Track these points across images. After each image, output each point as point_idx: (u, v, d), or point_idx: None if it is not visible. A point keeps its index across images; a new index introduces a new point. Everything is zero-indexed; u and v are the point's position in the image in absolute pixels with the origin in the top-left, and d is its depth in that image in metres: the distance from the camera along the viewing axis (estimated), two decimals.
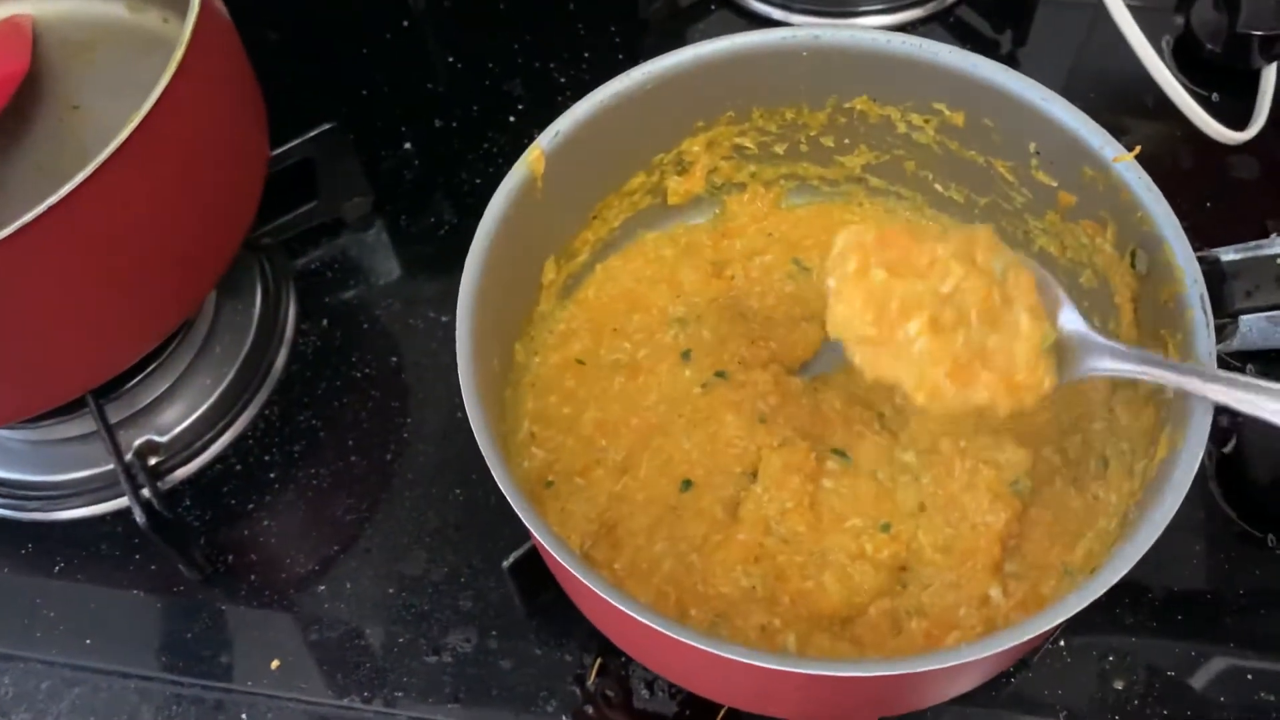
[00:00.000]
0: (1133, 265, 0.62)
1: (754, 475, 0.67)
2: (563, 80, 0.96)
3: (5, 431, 0.80)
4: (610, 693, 0.70)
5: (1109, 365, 0.57)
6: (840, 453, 0.67)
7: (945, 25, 0.98)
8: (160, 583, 0.76)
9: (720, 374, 0.70)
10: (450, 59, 0.98)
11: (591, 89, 0.68)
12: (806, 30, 0.66)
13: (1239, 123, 0.88)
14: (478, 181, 0.91)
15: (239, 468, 0.80)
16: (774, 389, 0.68)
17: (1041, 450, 0.67)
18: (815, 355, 0.71)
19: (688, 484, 0.67)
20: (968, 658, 0.49)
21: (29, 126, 0.82)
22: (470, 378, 0.57)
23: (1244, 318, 0.57)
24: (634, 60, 0.97)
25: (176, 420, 0.80)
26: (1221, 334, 0.57)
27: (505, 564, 0.67)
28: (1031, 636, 0.51)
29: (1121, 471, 0.64)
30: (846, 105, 0.70)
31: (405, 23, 1.01)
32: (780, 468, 0.65)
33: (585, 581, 0.51)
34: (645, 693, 0.70)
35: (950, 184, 0.72)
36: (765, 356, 0.70)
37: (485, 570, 0.75)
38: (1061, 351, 0.58)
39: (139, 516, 0.72)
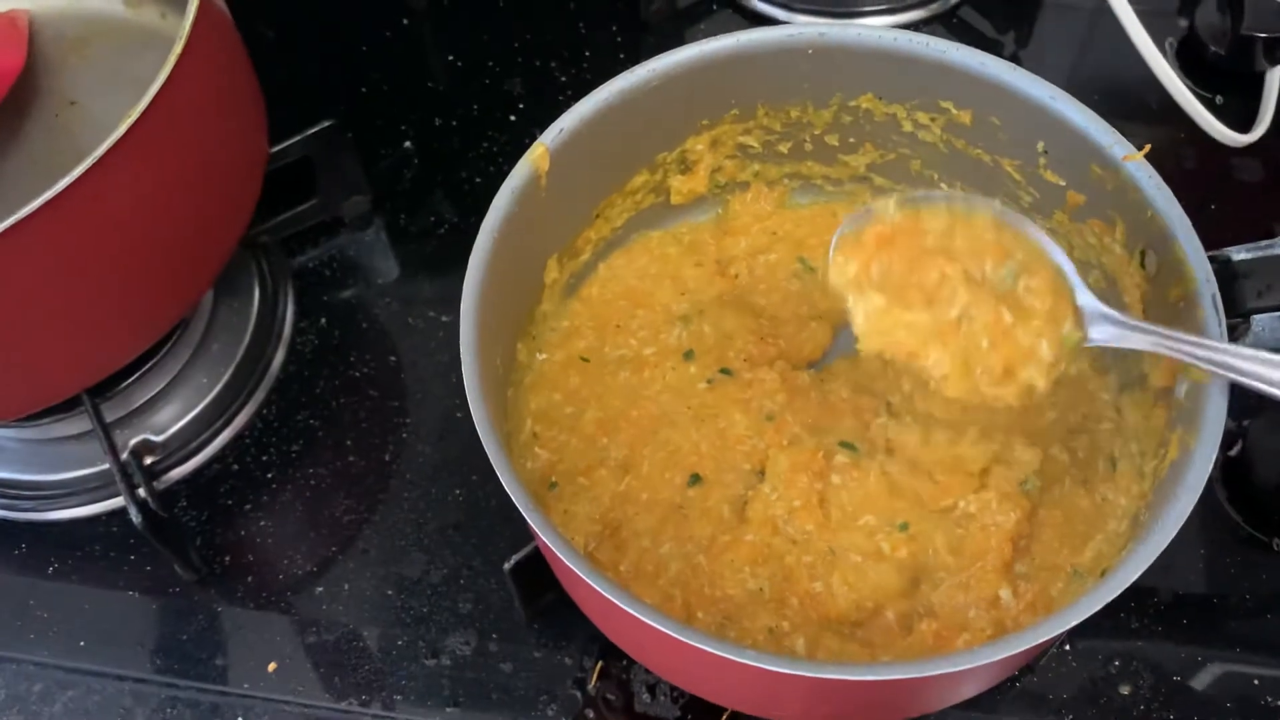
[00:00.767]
0: (1142, 265, 0.62)
1: (761, 473, 0.66)
2: (563, 79, 0.95)
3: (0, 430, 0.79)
4: (611, 696, 0.69)
5: (1133, 341, 0.56)
6: (849, 445, 0.66)
7: (948, 26, 0.97)
8: (156, 584, 0.76)
9: (725, 371, 0.69)
10: (450, 57, 0.98)
11: (592, 88, 0.67)
12: (812, 28, 0.65)
13: (1243, 125, 0.88)
14: (477, 180, 0.90)
15: (236, 468, 0.79)
16: (781, 386, 0.68)
17: (1050, 449, 0.67)
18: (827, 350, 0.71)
19: (696, 478, 0.66)
20: (979, 661, 0.49)
21: (25, 122, 0.82)
22: (474, 378, 0.56)
23: (1256, 317, 0.56)
24: (635, 60, 0.96)
25: (173, 419, 0.79)
26: (1233, 334, 0.57)
27: (506, 566, 0.66)
28: (1042, 640, 0.50)
29: (1131, 473, 0.63)
30: (851, 103, 0.69)
31: (405, 20, 1.00)
32: (788, 467, 0.64)
33: (592, 584, 0.50)
34: (646, 697, 0.69)
35: (956, 183, 0.72)
36: (772, 354, 0.70)
37: (485, 572, 0.74)
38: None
39: (135, 516, 0.71)
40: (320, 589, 0.75)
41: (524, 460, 0.67)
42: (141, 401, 0.79)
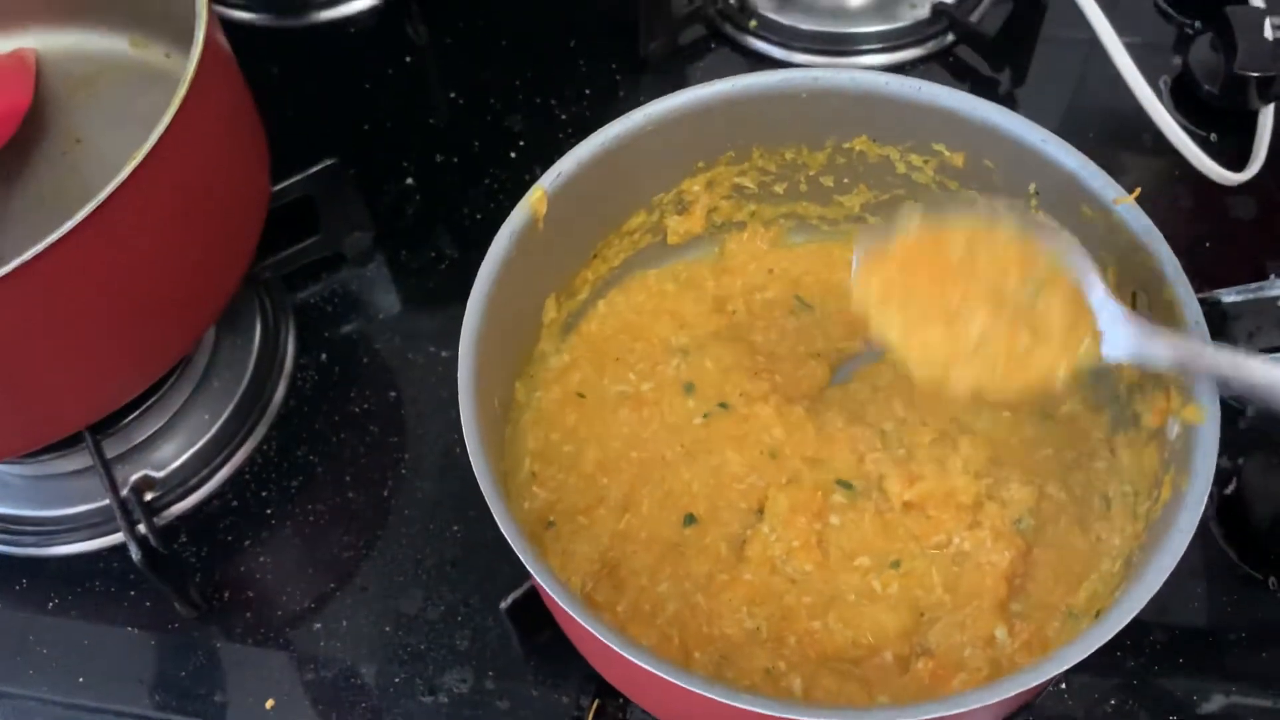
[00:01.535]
0: (1134, 307, 0.62)
1: (760, 511, 0.66)
2: (563, 117, 0.96)
3: (1, 466, 0.79)
4: None
5: (1155, 350, 0.56)
6: (846, 484, 0.66)
7: (944, 65, 0.98)
8: (155, 620, 0.76)
9: (723, 405, 0.70)
10: (452, 94, 0.99)
11: (592, 125, 0.68)
12: (806, 72, 0.66)
13: (1237, 163, 0.88)
14: (478, 217, 0.91)
15: (235, 504, 0.80)
16: (777, 420, 0.68)
17: (1045, 488, 0.67)
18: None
19: (691, 518, 0.66)
20: (976, 704, 0.49)
21: (32, 159, 0.83)
22: (472, 418, 0.57)
23: None
24: (634, 96, 0.98)
25: (173, 456, 0.80)
26: None
27: (503, 605, 0.66)
28: (1038, 683, 0.50)
29: (1125, 513, 0.64)
30: (846, 145, 0.70)
31: (407, 58, 1.01)
32: (787, 507, 0.65)
33: (588, 627, 0.51)
34: None
35: None
36: (767, 389, 0.70)
37: (483, 609, 0.74)
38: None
39: (134, 553, 0.72)
40: (318, 625, 0.75)
41: (521, 500, 0.67)
42: (143, 438, 0.79)
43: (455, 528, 0.78)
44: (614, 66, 0.99)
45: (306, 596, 0.76)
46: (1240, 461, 0.75)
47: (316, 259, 0.89)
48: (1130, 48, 0.88)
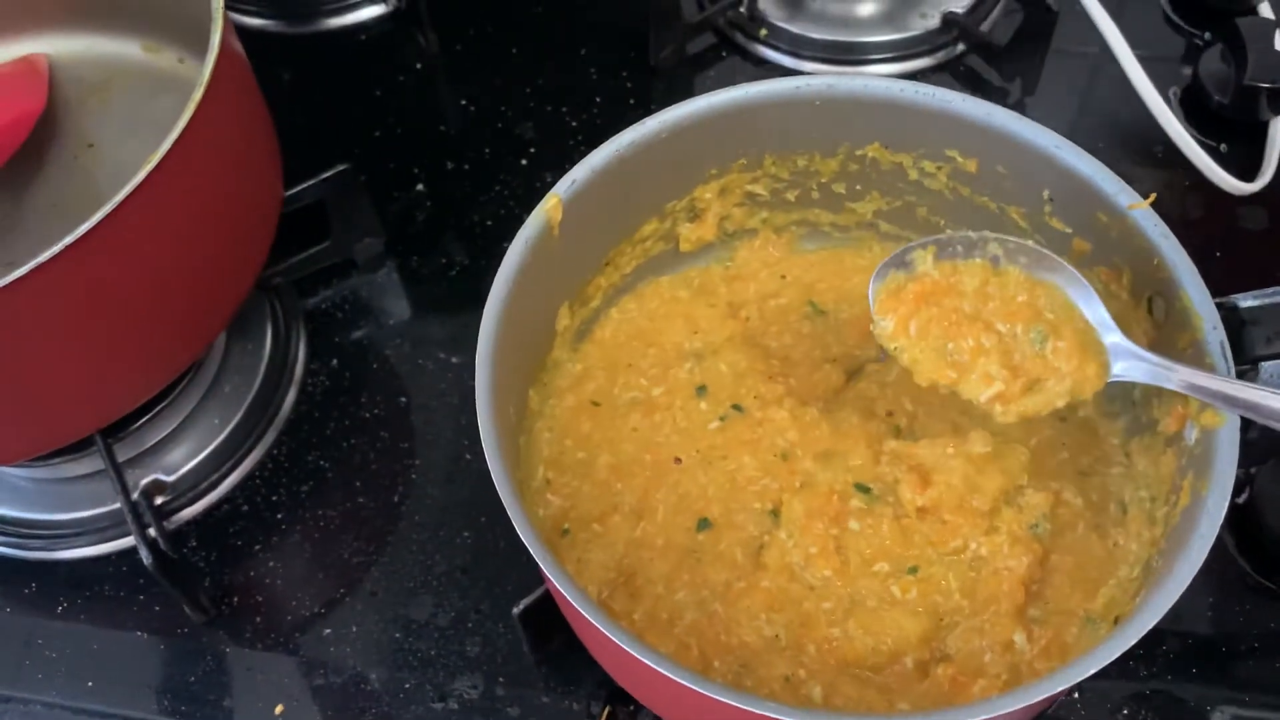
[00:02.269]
0: (1150, 312, 0.62)
1: (775, 514, 0.66)
2: (574, 124, 0.96)
3: (11, 470, 0.79)
4: None
5: (1163, 381, 0.58)
6: (863, 487, 0.66)
7: (954, 74, 0.99)
8: (164, 624, 0.76)
9: (737, 407, 0.70)
10: (463, 102, 0.99)
11: (602, 133, 0.68)
12: (819, 79, 0.66)
13: (1248, 173, 0.88)
14: (489, 224, 0.91)
15: (246, 508, 0.80)
16: (791, 423, 0.68)
17: (1062, 493, 0.67)
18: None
19: (705, 523, 0.66)
20: (996, 712, 0.49)
21: (44, 164, 0.83)
22: (490, 425, 0.56)
23: (1264, 364, 0.57)
24: (645, 104, 0.98)
25: (184, 460, 0.80)
26: (1242, 380, 0.57)
27: (516, 610, 0.66)
28: (1056, 691, 0.50)
29: (1141, 518, 0.63)
30: (859, 152, 0.70)
31: (419, 65, 1.01)
32: (803, 513, 0.64)
33: (609, 635, 0.50)
34: None
35: (964, 229, 0.72)
36: (781, 392, 0.70)
37: (493, 615, 0.74)
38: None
39: (145, 556, 0.72)
40: (328, 631, 0.75)
41: (536, 508, 0.67)
42: (153, 442, 0.79)
43: (466, 534, 0.78)
44: (624, 74, 0.99)
45: (316, 602, 0.76)
46: (1253, 471, 0.75)
47: (327, 265, 0.89)
48: (1140, 59, 0.88)
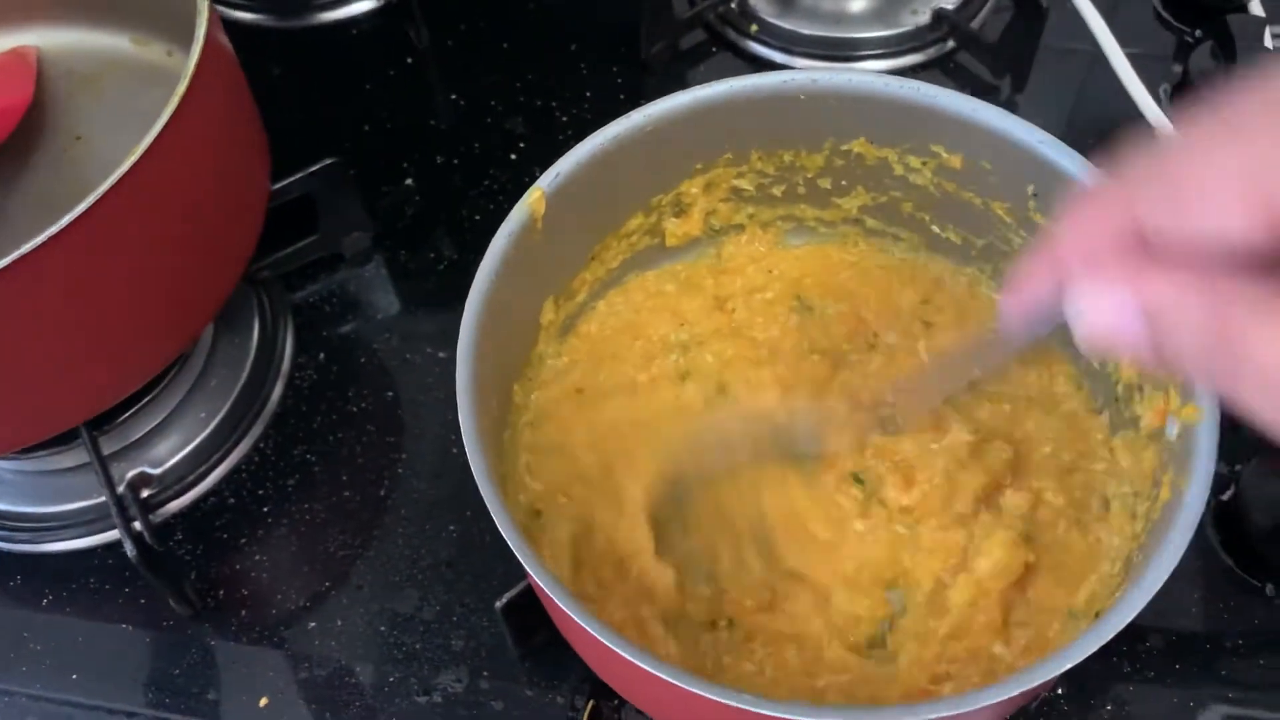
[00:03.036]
0: None
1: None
2: (564, 119, 0.96)
3: None
4: None
5: None
6: (858, 478, 0.66)
7: (945, 71, 0.99)
8: (149, 617, 0.76)
9: (722, 389, 0.70)
10: (453, 96, 0.99)
11: (593, 128, 0.68)
12: (805, 73, 0.66)
13: None
14: (477, 218, 0.91)
15: (232, 501, 0.80)
16: (780, 408, 0.68)
17: (1044, 494, 0.67)
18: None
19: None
20: (970, 707, 0.49)
21: (32, 156, 0.83)
22: (471, 421, 0.56)
23: None
24: (635, 100, 0.97)
25: (170, 453, 0.79)
26: None
27: (498, 604, 0.66)
28: (1035, 685, 0.50)
29: (1124, 514, 0.63)
30: (844, 147, 0.70)
31: (409, 59, 1.01)
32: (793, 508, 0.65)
33: (585, 626, 0.51)
34: None
35: (947, 225, 0.72)
36: (769, 379, 0.70)
37: (478, 609, 0.74)
38: None
39: (130, 549, 0.72)
40: (313, 624, 0.75)
41: (516, 494, 0.67)
42: (139, 435, 0.79)
43: (451, 528, 0.78)
44: (615, 70, 0.99)
45: (302, 595, 0.76)
46: (1238, 468, 0.75)
47: (315, 259, 0.89)
48: (1130, 56, 0.88)
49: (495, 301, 0.62)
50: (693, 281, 0.76)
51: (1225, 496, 0.75)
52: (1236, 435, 0.74)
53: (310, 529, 0.78)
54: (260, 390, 0.83)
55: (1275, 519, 0.71)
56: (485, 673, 0.72)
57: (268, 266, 0.85)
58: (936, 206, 0.71)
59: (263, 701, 0.72)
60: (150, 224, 0.68)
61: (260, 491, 0.80)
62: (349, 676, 0.73)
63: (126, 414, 0.78)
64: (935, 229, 0.73)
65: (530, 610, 0.66)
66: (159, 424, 0.80)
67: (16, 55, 0.85)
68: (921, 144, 0.68)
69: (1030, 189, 0.66)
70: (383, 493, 0.80)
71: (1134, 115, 0.87)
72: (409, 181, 0.94)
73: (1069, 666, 0.51)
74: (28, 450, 0.77)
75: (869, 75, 0.66)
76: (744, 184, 0.73)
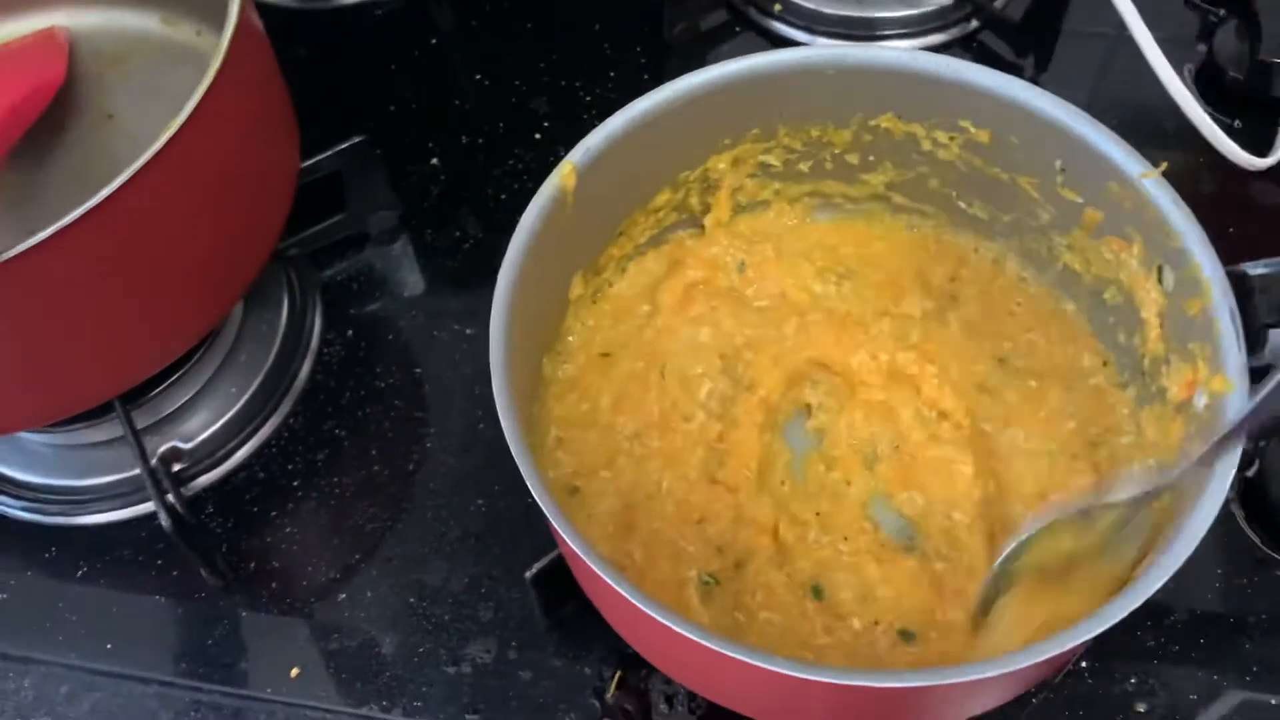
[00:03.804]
0: (1159, 281, 0.63)
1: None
2: (588, 99, 0.97)
3: (31, 435, 0.81)
4: (629, 706, 0.70)
5: None
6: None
7: (968, 50, 0.99)
8: (182, 589, 0.77)
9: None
10: (478, 76, 1.00)
11: (616, 108, 0.68)
12: (832, 49, 0.67)
13: (1262, 149, 0.88)
14: (502, 197, 0.92)
15: (262, 475, 0.81)
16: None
17: (1075, 473, 0.67)
18: None
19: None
20: (1001, 670, 0.49)
21: (65, 135, 0.84)
22: (505, 394, 0.57)
23: (1273, 331, 0.57)
24: (658, 80, 0.97)
25: (202, 427, 0.80)
26: (1251, 346, 0.57)
27: (528, 574, 0.67)
28: (1063, 650, 0.51)
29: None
30: (872, 123, 0.70)
31: (434, 40, 1.02)
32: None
33: (617, 588, 0.51)
34: (664, 707, 0.70)
35: (974, 201, 0.73)
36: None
37: (506, 581, 0.75)
38: None
39: (164, 521, 0.73)
40: (343, 596, 0.76)
41: (548, 469, 0.68)
42: (172, 409, 0.80)
43: (479, 501, 0.78)
44: (638, 49, 0.99)
45: (331, 568, 0.77)
46: (1263, 445, 0.75)
47: (342, 237, 0.89)
48: (1156, 36, 0.88)
49: (526, 276, 0.63)
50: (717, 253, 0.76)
51: (1250, 473, 0.75)
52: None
53: (339, 502, 0.79)
54: (289, 366, 0.84)
55: None
56: (513, 643, 0.73)
57: (296, 244, 0.86)
58: (963, 182, 0.72)
59: (293, 671, 0.73)
60: (182, 201, 0.69)
61: (290, 466, 0.81)
62: (378, 647, 0.74)
63: (159, 388, 0.79)
64: (962, 204, 0.73)
65: (560, 580, 0.67)
66: (190, 399, 0.81)
67: (48, 36, 0.86)
68: (949, 119, 0.68)
69: (1058, 164, 0.66)
70: (411, 467, 0.80)
71: (1158, 94, 0.87)
72: (434, 161, 0.95)
73: (1092, 636, 0.51)
74: (61, 424, 0.78)
75: (897, 51, 0.67)
76: (771, 159, 0.73)
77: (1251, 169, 0.87)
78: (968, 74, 0.65)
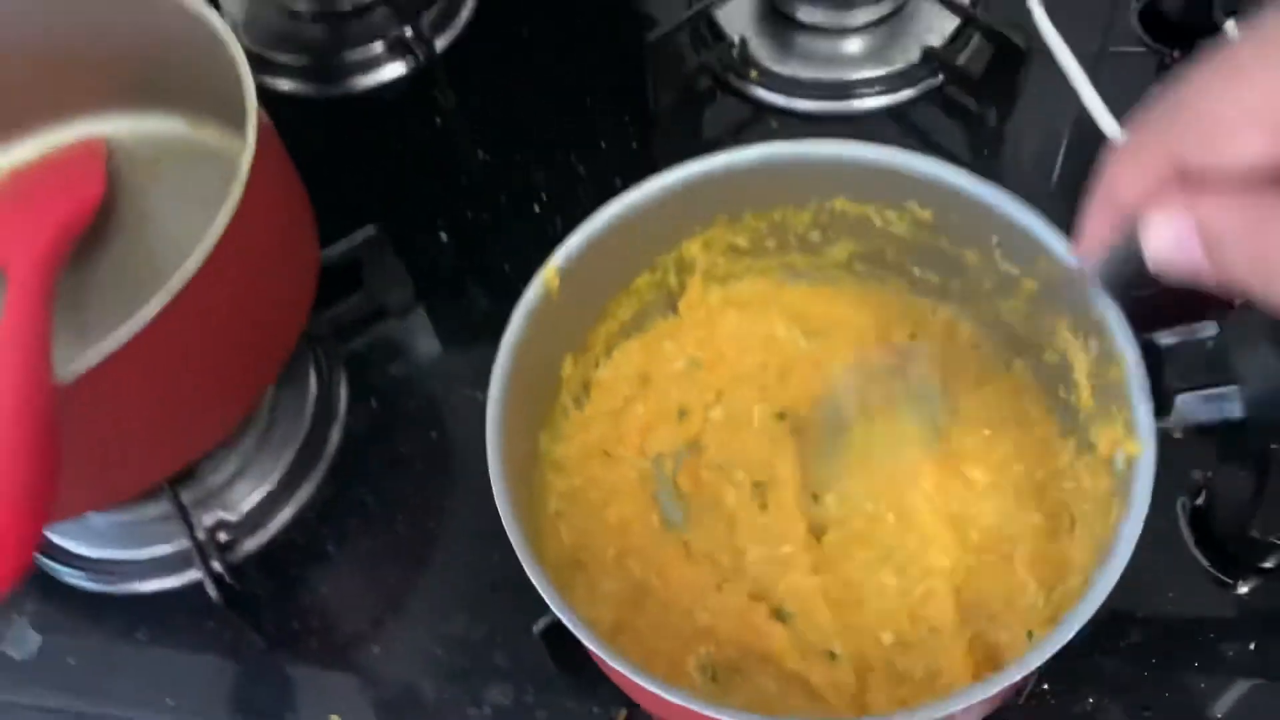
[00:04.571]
0: (1085, 347, 0.69)
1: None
2: (582, 169, 1.04)
3: (93, 515, 0.89)
4: None
5: None
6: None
7: (936, 103, 1.05)
8: (231, 647, 0.85)
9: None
10: (479, 153, 1.07)
11: (608, 177, 0.75)
12: (786, 146, 0.73)
13: None
14: (506, 267, 0.99)
15: (300, 541, 0.89)
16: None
17: (1025, 511, 0.74)
18: None
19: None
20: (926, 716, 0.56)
21: (104, 238, 0.91)
22: (499, 473, 0.65)
23: (1179, 396, 0.63)
24: (647, 146, 1.06)
25: (244, 500, 0.88)
26: (1160, 410, 0.64)
27: (535, 629, 0.74)
28: (989, 695, 0.58)
29: (1086, 533, 0.70)
30: (827, 205, 0.77)
31: (438, 120, 1.10)
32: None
33: (616, 666, 0.58)
34: None
35: (928, 269, 0.79)
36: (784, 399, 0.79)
37: (519, 630, 0.81)
38: None
39: (211, 591, 0.81)
40: (377, 648, 0.84)
41: (549, 538, 0.75)
42: (216, 485, 0.88)
43: (494, 555, 0.84)
44: (627, 119, 1.06)
45: (364, 623, 0.85)
46: (1209, 475, 0.82)
47: (363, 314, 0.97)
48: (1114, 73, 0.93)
49: (519, 364, 0.70)
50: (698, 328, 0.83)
51: (1199, 501, 0.82)
52: (1214, 441, 0.81)
53: (369, 563, 0.87)
54: (321, 437, 0.92)
55: (1243, 521, 0.78)
56: (529, 687, 0.81)
57: (321, 324, 0.94)
58: (916, 253, 0.78)
59: (333, 718, 0.81)
60: (224, 301, 0.75)
61: (324, 531, 0.89)
62: (409, 693, 0.82)
63: (204, 467, 0.88)
64: (916, 271, 0.80)
65: (565, 634, 0.74)
66: (232, 474, 0.89)
67: (86, 150, 0.94)
68: (895, 200, 0.75)
69: (994, 239, 0.72)
70: (432, 526, 0.88)
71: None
72: (443, 236, 1.02)
73: (1007, 684, 0.58)
74: (119, 505, 0.86)
75: (843, 143, 0.73)
76: (740, 240, 0.80)
77: None
78: (907, 162, 0.72)
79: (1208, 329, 0.63)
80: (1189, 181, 0.46)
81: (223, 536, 0.87)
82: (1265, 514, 0.76)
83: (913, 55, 1.04)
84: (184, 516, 0.84)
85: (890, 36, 1.06)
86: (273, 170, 0.82)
